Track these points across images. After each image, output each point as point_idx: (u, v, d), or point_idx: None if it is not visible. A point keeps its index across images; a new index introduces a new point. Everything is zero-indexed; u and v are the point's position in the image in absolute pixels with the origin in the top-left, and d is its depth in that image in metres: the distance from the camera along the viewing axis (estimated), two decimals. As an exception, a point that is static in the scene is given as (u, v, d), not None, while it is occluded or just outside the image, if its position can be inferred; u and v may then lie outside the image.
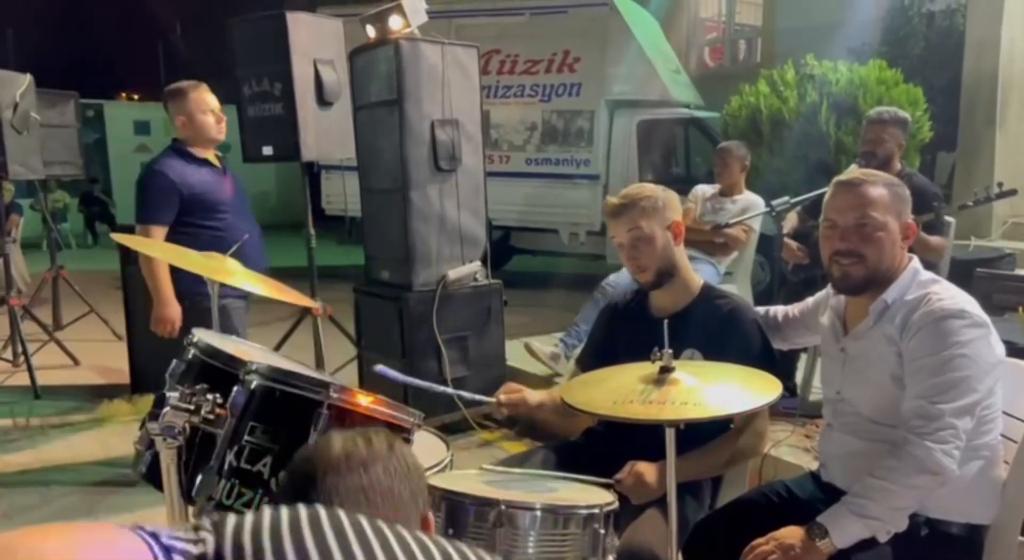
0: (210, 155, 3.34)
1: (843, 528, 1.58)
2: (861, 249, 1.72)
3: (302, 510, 0.89)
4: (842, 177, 1.81)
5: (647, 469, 1.84)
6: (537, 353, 4.17)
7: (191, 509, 1.59)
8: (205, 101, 3.27)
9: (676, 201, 2.08)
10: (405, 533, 0.89)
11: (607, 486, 1.79)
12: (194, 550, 0.83)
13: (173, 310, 3.17)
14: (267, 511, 0.89)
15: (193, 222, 3.22)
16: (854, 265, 1.74)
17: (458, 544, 0.92)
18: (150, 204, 3.22)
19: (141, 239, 2.31)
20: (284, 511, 0.89)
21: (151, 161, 3.35)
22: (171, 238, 3.13)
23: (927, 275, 1.77)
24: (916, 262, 1.79)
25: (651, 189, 2.06)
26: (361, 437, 1.09)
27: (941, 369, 1.61)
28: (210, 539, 0.83)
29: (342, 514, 0.89)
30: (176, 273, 3.09)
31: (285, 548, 0.82)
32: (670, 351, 1.64)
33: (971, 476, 1.66)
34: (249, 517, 0.87)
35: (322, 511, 0.89)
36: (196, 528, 0.86)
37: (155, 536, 0.82)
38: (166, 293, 3.17)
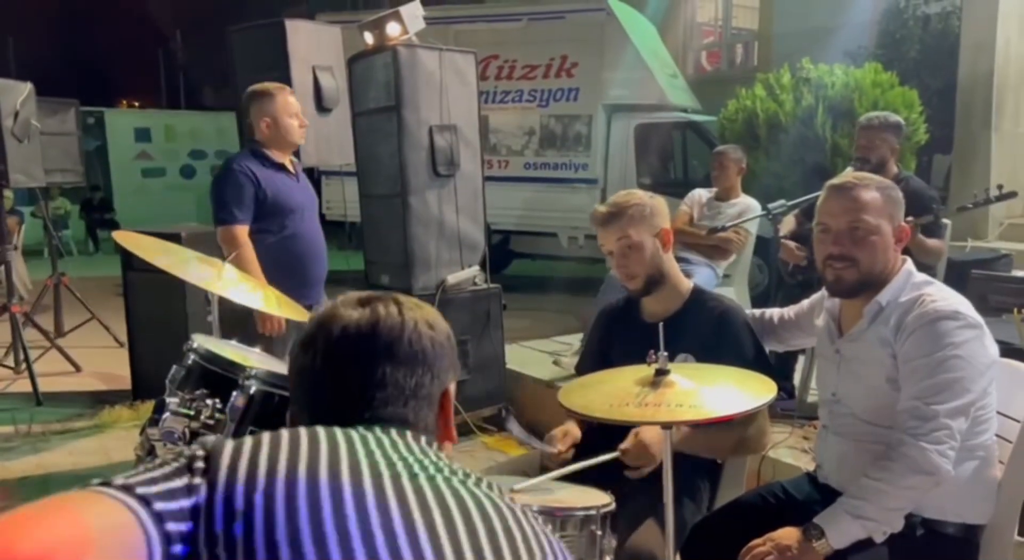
0: (286, 160, 3.24)
1: (839, 529, 1.59)
2: (854, 253, 1.73)
3: (303, 443, 0.83)
4: (835, 181, 1.81)
5: (650, 436, 1.82)
6: (565, 367, 4.24)
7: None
8: (291, 104, 3.18)
9: (664, 208, 2.08)
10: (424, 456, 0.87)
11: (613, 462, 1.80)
12: (187, 504, 0.78)
13: None
14: (265, 443, 0.84)
15: (262, 228, 3.09)
16: (847, 269, 1.75)
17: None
18: (231, 203, 3.03)
19: (140, 238, 2.25)
20: (284, 445, 0.83)
21: (228, 160, 3.19)
22: None
23: (921, 277, 1.78)
24: (910, 264, 1.80)
25: (639, 196, 2.05)
26: (371, 312, 0.99)
27: (935, 370, 1.62)
28: (203, 488, 0.79)
29: (344, 451, 0.84)
30: (268, 278, 2.89)
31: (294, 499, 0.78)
32: (665, 354, 1.65)
33: (966, 476, 1.67)
34: (246, 454, 0.82)
35: (330, 444, 0.84)
36: (190, 466, 0.81)
37: (145, 501, 0.76)
38: None
